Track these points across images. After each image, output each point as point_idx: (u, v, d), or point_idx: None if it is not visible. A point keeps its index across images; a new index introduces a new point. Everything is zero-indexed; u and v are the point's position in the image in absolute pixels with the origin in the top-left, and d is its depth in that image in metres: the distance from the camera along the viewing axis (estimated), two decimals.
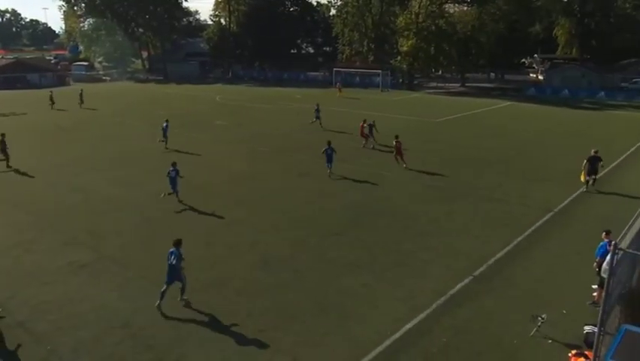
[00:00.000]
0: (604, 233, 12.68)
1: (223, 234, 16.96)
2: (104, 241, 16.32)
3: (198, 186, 22.11)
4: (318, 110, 36.97)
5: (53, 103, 46.84)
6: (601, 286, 11.89)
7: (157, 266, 14.47)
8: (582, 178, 21.36)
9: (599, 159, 21.38)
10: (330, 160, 23.27)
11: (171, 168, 19.76)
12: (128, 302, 12.54)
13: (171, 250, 12.23)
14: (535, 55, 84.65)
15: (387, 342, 10.94)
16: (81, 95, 48.64)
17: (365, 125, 30.04)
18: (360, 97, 56.05)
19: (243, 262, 14.84)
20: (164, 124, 30.03)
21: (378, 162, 26.15)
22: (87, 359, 10.42)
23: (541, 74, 76.46)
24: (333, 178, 22.97)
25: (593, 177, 21.46)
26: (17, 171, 24.86)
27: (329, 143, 23.56)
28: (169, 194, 19.73)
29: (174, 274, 12.19)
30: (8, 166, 25.69)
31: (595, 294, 12.31)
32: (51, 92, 49.34)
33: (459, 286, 13.37)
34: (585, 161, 21.38)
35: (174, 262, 12.10)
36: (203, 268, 14.41)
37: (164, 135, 29.77)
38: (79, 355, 10.54)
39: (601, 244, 12.47)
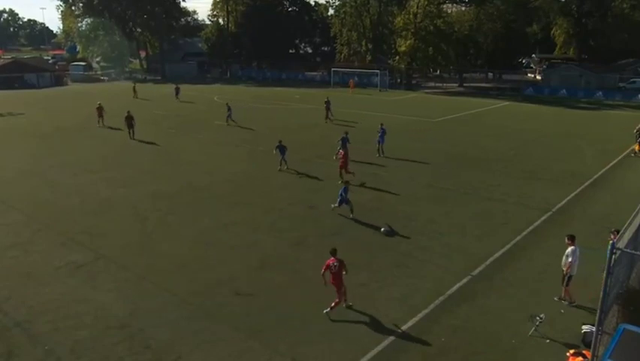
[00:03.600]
0: (567, 239, 12.39)
1: (222, 234, 16.94)
2: (102, 242, 16.27)
3: (196, 187, 22.10)
4: (328, 103, 38.78)
5: (136, 93, 54.30)
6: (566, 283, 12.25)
7: (155, 266, 14.51)
8: (637, 147, 28.30)
9: None
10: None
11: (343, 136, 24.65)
12: (126, 303, 12.52)
13: (343, 188, 18.13)
14: (533, 55, 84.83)
15: (386, 342, 10.93)
16: (134, 89, 55.48)
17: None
18: (359, 97, 56.12)
19: (241, 262, 14.81)
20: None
21: (377, 163, 26.13)
22: (85, 360, 10.39)
23: (539, 73, 76.63)
24: (330, 178, 22.94)
25: None
26: (17, 171, 24.82)
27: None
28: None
29: (343, 200, 17.91)
30: (132, 138, 31.83)
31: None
32: (134, 84, 58.89)
33: (457, 285, 13.38)
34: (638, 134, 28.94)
35: (344, 193, 17.87)
36: (201, 268, 14.40)
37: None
38: (77, 355, 10.51)
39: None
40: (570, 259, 12.04)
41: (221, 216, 18.54)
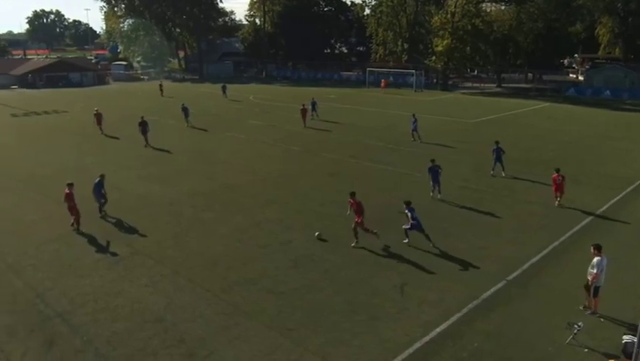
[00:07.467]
0: (593, 249, 11.80)
1: (255, 233, 17.11)
2: (138, 237, 16.71)
3: (231, 186, 22.41)
4: (314, 104, 39.70)
5: (162, 92, 57.38)
6: (587, 290, 11.79)
7: (190, 262, 14.79)
8: None
9: None
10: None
11: (430, 165, 20.19)
12: (161, 297, 12.81)
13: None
14: (576, 55, 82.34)
15: (418, 345, 10.82)
16: (161, 86, 58.88)
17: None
18: (392, 97, 55.71)
19: (273, 261, 14.93)
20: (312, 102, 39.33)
21: (409, 163, 25.85)
22: (121, 351, 10.69)
23: (581, 74, 74.33)
24: (355, 179, 22.83)
25: None
26: (62, 167, 25.69)
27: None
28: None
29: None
30: (146, 146, 30.05)
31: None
32: (161, 82, 62.34)
33: (492, 290, 13.10)
34: None
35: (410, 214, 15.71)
36: (234, 266, 14.59)
37: (314, 110, 38.84)
38: (113, 346, 10.82)
39: None
40: (595, 270, 11.49)
41: (253, 215, 18.73)
